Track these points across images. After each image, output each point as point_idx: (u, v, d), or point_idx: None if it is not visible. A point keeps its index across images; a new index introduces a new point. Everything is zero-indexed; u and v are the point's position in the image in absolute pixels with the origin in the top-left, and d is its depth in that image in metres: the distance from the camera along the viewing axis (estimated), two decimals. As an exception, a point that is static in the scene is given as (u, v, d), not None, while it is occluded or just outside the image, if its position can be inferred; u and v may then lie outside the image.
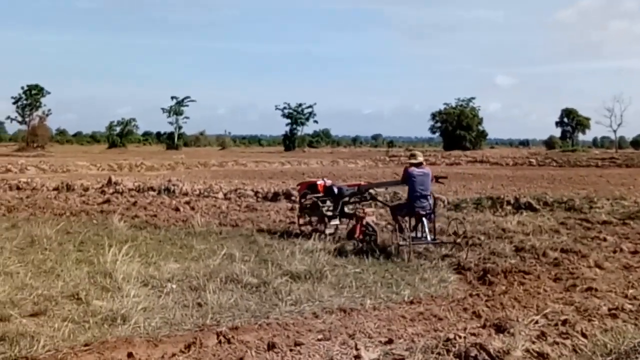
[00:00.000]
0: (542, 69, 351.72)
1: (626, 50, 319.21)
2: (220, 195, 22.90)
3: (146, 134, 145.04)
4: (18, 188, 25.90)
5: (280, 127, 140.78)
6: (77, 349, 6.39)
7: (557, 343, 6.44)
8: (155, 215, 17.37)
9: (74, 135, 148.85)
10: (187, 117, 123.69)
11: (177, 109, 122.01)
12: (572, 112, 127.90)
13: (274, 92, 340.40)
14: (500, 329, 6.97)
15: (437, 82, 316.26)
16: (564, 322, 7.19)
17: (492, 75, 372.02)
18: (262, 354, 6.32)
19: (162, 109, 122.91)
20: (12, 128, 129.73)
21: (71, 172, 42.30)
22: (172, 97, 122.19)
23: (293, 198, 20.30)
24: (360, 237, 12.72)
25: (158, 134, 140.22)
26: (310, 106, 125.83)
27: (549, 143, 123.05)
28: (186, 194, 23.15)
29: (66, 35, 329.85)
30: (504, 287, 9.31)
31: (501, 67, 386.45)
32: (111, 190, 24.43)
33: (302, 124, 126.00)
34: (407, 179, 12.38)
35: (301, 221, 14.57)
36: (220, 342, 6.61)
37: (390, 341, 6.69)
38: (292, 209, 18.29)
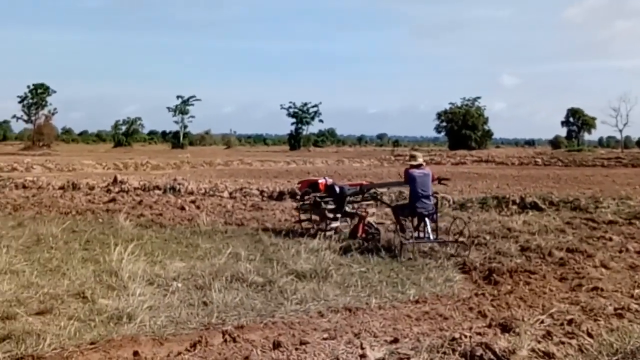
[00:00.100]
0: (548, 68, 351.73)
1: (632, 49, 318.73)
2: (226, 194, 22.90)
3: (152, 133, 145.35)
4: (24, 187, 25.92)
5: (285, 126, 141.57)
6: (83, 347, 6.40)
7: (563, 343, 6.43)
8: (160, 214, 17.38)
9: (80, 134, 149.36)
10: (192, 116, 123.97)
11: (182, 108, 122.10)
12: (577, 111, 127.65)
13: (279, 91, 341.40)
14: (505, 328, 6.96)
15: (442, 82, 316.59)
16: (570, 322, 7.18)
17: (497, 75, 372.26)
18: (267, 352, 6.32)
19: (168, 108, 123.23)
20: (18, 127, 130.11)
21: (77, 171, 42.39)
22: (178, 96, 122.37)
23: (298, 197, 20.28)
24: (363, 235, 12.75)
25: (163, 133, 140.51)
26: (315, 105, 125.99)
27: (555, 143, 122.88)
28: (192, 193, 23.15)
29: (72, 34, 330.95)
30: (509, 287, 9.29)
31: (507, 67, 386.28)
32: (117, 189, 24.45)
33: (308, 123, 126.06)
34: (409, 180, 12.41)
35: (302, 219, 14.57)
36: (225, 340, 6.61)
37: (395, 340, 6.68)
38: (297, 208, 18.26)
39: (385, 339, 6.79)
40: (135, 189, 24.50)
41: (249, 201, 20.98)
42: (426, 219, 12.18)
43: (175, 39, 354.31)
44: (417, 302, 8.49)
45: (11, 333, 6.72)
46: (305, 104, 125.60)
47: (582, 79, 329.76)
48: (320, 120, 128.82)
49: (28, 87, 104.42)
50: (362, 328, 7.18)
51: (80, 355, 6.21)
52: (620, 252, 11.88)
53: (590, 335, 6.69)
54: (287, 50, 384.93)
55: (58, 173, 38.91)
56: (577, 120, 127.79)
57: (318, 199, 13.99)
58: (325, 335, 6.86)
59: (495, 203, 18.57)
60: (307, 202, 14.36)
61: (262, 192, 22.90)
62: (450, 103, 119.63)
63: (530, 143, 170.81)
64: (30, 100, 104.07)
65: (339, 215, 13.92)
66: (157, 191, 23.83)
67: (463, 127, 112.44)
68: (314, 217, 14.29)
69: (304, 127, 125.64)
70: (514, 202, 18.44)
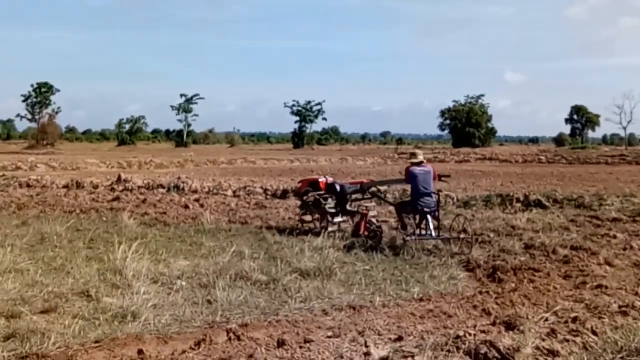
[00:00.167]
0: (552, 66, 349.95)
1: (636, 47, 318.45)
2: (229, 192, 22.91)
3: (155, 132, 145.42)
4: (28, 185, 25.95)
5: (289, 124, 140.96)
6: (87, 345, 6.42)
7: (567, 340, 6.43)
8: (164, 213, 17.40)
9: (84, 132, 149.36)
10: (196, 115, 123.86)
11: (186, 106, 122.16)
12: (581, 109, 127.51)
13: (282, 89, 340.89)
14: (510, 326, 6.95)
15: (446, 79, 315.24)
16: (574, 320, 7.17)
17: (501, 72, 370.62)
18: (271, 350, 6.33)
19: (171, 106, 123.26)
20: (21, 126, 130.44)
21: (81, 169, 42.44)
22: (181, 95, 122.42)
23: (298, 196, 20.31)
24: (366, 233, 12.78)
25: (167, 132, 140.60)
26: (319, 103, 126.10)
27: (559, 140, 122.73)
28: (195, 192, 23.17)
29: (75, 33, 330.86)
30: (513, 285, 9.29)
31: (511, 64, 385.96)
32: (121, 188, 24.46)
33: (311, 121, 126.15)
34: (410, 178, 12.43)
35: (303, 218, 14.59)
36: (230, 339, 6.62)
37: (399, 338, 6.68)
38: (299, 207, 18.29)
39: (389, 337, 6.80)
40: (139, 187, 24.53)
41: (252, 199, 20.99)
42: (428, 216, 12.21)
43: (179, 37, 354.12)
44: (421, 300, 8.50)
45: (16, 331, 6.74)
46: (309, 102, 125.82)
47: (586, 76, 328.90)
48: (324, 119, 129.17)
49: (32, 86, 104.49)
50: (366, 326, 7.18)
51: (85, 354, 6.22)
52: (625, 249, 11.87)
53: (594, 332, 6.69)
54: (291, 49, 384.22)
55: (62, 172, 38.95)
56: (581, 118, 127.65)
57: (319, 198, 14.01)
58: (330, 334, 6.87)
59: (499, 201, 18.56)
60: (308, 200, 14.37)
61: (265, 190, 22.91)
62: (454, 101, 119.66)
63: (534, 140, 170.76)
64: (34, 99, 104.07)
65: (339, 214, 13.94)
66: (161, 190, 23.86)
67: (467, 125, 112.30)
68: (315, 215, 14.31)
69: (307, 125, 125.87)
70: (517, 200, 18.43)
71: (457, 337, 6.33)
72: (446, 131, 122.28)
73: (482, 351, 5.89)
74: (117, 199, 21.00)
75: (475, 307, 8.12)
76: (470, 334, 6.41)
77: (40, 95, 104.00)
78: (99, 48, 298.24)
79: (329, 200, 13.99)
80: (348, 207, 14.17)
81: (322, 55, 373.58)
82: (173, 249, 11.84)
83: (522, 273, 9.91)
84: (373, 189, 14.83)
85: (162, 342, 6.61)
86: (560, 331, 6.74)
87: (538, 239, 12.50)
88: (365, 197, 14.54)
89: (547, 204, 17.94)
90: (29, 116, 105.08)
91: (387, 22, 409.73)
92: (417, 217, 12.50)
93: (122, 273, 9.21)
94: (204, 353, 6.28)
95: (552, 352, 5.98)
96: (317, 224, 14.15)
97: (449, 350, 6.04)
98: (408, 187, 13.72)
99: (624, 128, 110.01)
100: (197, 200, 20.44)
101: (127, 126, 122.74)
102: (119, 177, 26.78)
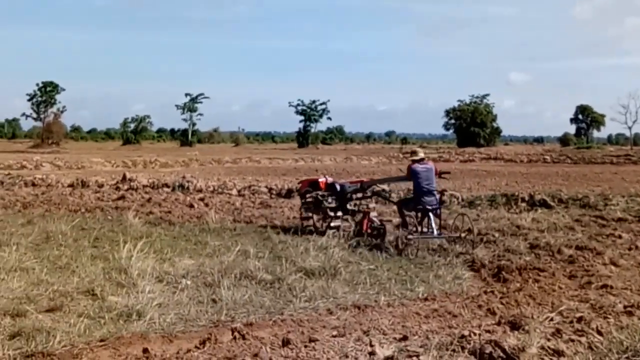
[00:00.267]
0: (557, 66, 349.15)
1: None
2: (234, 191, 22.94)
3: (160, 131, 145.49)
4: (33, 184, 26.00)
5: (293, 123, 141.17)
6: (92, 344, 6.43)
7: (573, 340, 6.42)
8: (169, 212, 17.43)
9: (89, 132, 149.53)
10: (201, 114, 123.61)
11: (191, 105, 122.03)
12: (586, 109, 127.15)
13: (287, 88, 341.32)
14: (515, 326, 6.95)
15: (451, 79, 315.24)
16: (579, 320, 7.16)
17: (506, 72, 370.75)
18: (276, 350, 6.34)
19: (176, 105, 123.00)
20: (27, 125, 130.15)
21: (86, 168, 42.49)
22: (186, 94, 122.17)
23: (299, 196, 20.32)
24: (368, 231, 12.81)
25: (172, 131, 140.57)
26: (323, 103, 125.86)
27: (564, 140, 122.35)
28: (200, 191, 23.20)
29: (81, 32, 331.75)
30: (518, 284, 9.29)
31: (516, 64, 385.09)
32: (126, 187, 24.50)
33: (316, 120, 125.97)
34: (412, 175, 12.45)
35: (304, 218, 14.59)
36: (235, 338, 6.63)
37: (404, 338, 6.68)
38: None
39: (394, 336, 6.80)
40: (144, 186, 24.57)
41: (257, 199, 21.02)
42: (430, 214, 12.24)
43: (183, 37, 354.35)
44: (426, 299, 8.50)
45: (21, 330, 6.75)
46: (314, 102, 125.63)
47: (591, 76, 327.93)
48: (329, 118, 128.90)
49: (37, 85, 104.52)
50: (371, 325, 7.18)
51: (90, 352, 6.23)
52: (630, 249, 11.86)
53: (600, 332, 6.68)
54: (296, 49, 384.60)
55: (67, 171, 39.01)
56: (586, 118, 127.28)
57: (319, 197, 14.03)
58: (335, 333, 6.87)
59: (504, 200, 18.55)
60: (309, 200, 14.38)
61: (270, 189, 22.94)
62: (459, 100, 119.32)
63: (539, 140, 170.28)
64: (40, 99, 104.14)
65: (340, 213, 13.96)
66: (165, 189, 23.89)
67: (471, 125, 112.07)
68: (316, 215, 14.32)
69: (312, 124, 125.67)
70: (523, 200, 18.42)
71: (462, 336, 6.33)
72: (451, 131, 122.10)
73: (487, 351, 5.89)
74: (122, 198, 21.03)
75: (480, 306, 8.11)
76: (475, 334, 6.41)
77: (46, 95, 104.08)
78: (105, 47, 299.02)
79: (330, 199, 14.01)
80: (349, 207, 14.20)
81: (327, 55, 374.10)
82: (178, 248, 11.84)
83: (527, 273, 9.90)
84: (374, 187, 14.85)
85: (167, 341, 6.61)
86: (566, 331, 6.73)
87: (543, 239, 12.49)
88: (366, 196, 14.55)
89: (552, 203, 17.92)
90: (35, 115, 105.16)
91: (392, 21, 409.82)
92: (419, 215, 12.54)
93: (127, 272, 9.21)
94: (209, 352, 6.29)
95: (558, 352, 5.97)
96: (318, 224, 14.16)
97: (454, 350, 6.03)
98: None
99: (630, 128, 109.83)
100: (202, 199, 20.46)
101: (132, 125, 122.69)
102: (124, 176, 26.80)
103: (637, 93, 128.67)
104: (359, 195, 14.41)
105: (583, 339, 6.45)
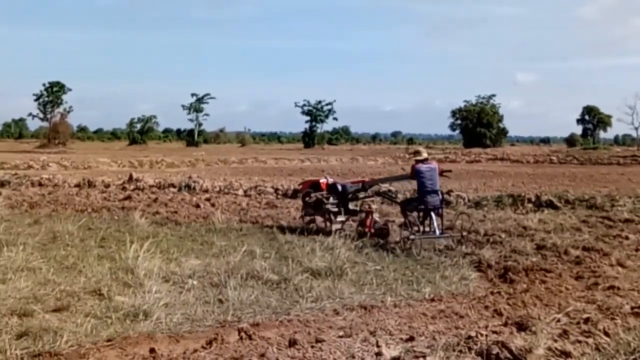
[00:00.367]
0: (564, 66, 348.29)
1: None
2: (240, 192, 22.96)
3: (166, 131, 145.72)
4: (40, 184, 26.06)
5: (299, 124, 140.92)
6: (99, 344, 6.44)
7: (580, 341, 6.41)
8: (175, 212, 17.45)
9: (95, 132, 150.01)
10: (207, 114, 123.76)
11: (197, 106, 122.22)
12: (593, 109, 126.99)
13: (293, 89, 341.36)
14: (522, 327, 6.95)
15: (457, 79, 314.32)
16: (586, 321, 7.15)
17: (512, 72, 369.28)
18: (283, 350, 6.34)
19: (183, 106, 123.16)
20: (33, 125, 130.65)
21: (92, 168, 42.56)
22: (193, 94, 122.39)
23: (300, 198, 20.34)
24: (372, 231, 12.82)
25: (178, 131, 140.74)
26: (329, 103, 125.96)
27: (570, 141, 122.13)
28: (206, 191, 23.23)
29: (87, 32, 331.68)
30: (525, 285, 9.27)
31: (522, 64, 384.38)
32: (132, 187, 24.56)
33: (322, 121, 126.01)
34: (416, 175, 12.49)
35: (306, 219, 14.59)
36: (241, 338, 6.64)
37: (411, 338, 6.68)
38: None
39: (401, 337, 6.80)
40: (150, 186, 24.62)
41: (263, 199, 21.04)
42: (432, 214, 12.27)
43: (190, 37, 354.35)
44: (432, 300, 8.49)
45: (28, 330, 6.77)
46: (320, 102, 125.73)
47: (598, 76, 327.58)
48: (335, 118, 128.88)
49: (44, 85, 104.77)
50: (378, 326, 7.18)
51: (97, 352, 6.25)
52: (637, 250, 11.84)
53: (607, 334, 6.66)
54: (302, 49, 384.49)
55: (74, 171, 39.07)
56: (593, 118, 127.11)
57: (321, 198, 14.03)
58: (341, 333, 6.87)
59: (510, 201, 18.53)
60: (310, 201, 14.38)
61: (276, 190, 22.95)
62: (465, 101, 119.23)
63: (546, 141, 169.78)
64: (46, 99, 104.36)
65: (342, 214, 13.97)
66: (172, 189, 23.94)
67: (478, 125, 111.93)
68: (317, 216, 14.33)
69: (318, 125, 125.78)
70: (529, 201, 18.38)
71: (469, 337, 6.32)
72: (457, 131, 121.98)
73: (494, 352, 5.88)
74: (128, 198, 21.06)
75: (487, 307, 8.10)
76: (482, 335, 6.40)
77: (52, 95, 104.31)
78: (111, 47, 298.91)
79: (331, 200, 14.01)
80: (350, 207, 14.20)
81: (333, 55, 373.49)
82: (184, 248, 11.86)
83: (533, 274, 9.89)
84: (376, 187, 14.86)
85: (173, 341, 6.62)
86: (573, 332, 6.72)
87: (550, 240, 12.47)
88: (368, 196, 14.55)
89: (558, 204, 17.89)
90: (41, 115, 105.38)
91: (398, 22, 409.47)
92: (422, 214, 12.57)
93: (133, 272, 9.23)
94: (216, 352, 6.29)
95: (565, 354, 5.96)
96: (322, 224, 14.17)
97: (460, 351, 6.03)
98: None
99: (636, 129, 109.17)
100: (208, 199, 20.49)
101: (139, 125, 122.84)
102: (131, 177, 26.87)
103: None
104: (361, 195, 14.41)
105: (590, 340, 6.44)
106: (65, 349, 6.24)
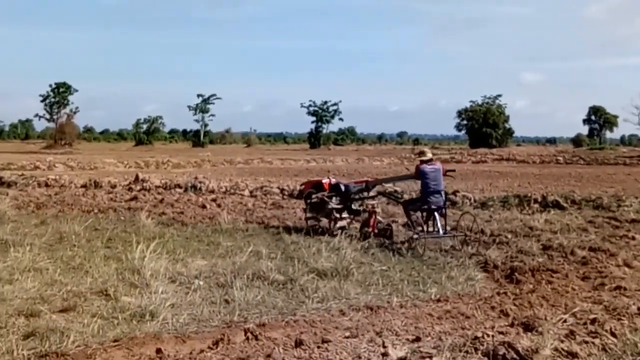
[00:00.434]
0: (570, 66, 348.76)
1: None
2: (246, 192, 22.97)
3: (172, 132, 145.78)
4: (46, 185, 26.09)
5: (305, 124, 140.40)
6: (106, 344, 6.46)
7: (586, 342, 6.39)
8: (182, 213, 17.46)
9: (101, 132, 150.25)
10: (213, 115, 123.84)
11: (203, 106, 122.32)
12: (599, 109, 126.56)
13: (299, 89, 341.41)
14: (528, 327, 6.93)
15: (463, 80, 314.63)
16: (593, 321, 7.13)
17: (519, 72, 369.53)
18: (289, 350, 6.34)
19: (189, 106, 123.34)
20: (40, 125, 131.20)
21: (98, 169, 42.62)
22: (199, 95, 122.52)
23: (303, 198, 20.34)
24: (375, 231, 12.83)
25: (184, 132, 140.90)
26: (335, 104, 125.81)
27: (576, 141, 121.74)
28: (212, 191, 23.25)
29: (93, 33, 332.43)
30: (531, 286, 9.26)
31: (528, 64, 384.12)
32: (138, 188, 24.58)
33: (328, 121, 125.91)
34: (420, 175, 12.51)
35: (309, 220, 14.58)
36: (247, 338, 6.64)
37: (417, 339, 6.68)
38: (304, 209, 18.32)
39: (407, 337, 6.80)
40: (156, 187, 24.64)
41: (269, 199, 21.04)
42: (435, 214, 12.29)
43: (195, 37, 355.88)
44: (438, 300, 8.49)
45: (35, 330, 6.80)
46: (325, 102, 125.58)
47: (604, 76, 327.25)
48: (340, 119, 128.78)
49: (50, 86, 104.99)
50: (384, 327, 7.19)
51: (104, 353, 6.26)
52: (644, 251, 11.80)
53: (613, 334, 6.65)
54: (308, 49, 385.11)
55: (80, 171, 39.12)
56: (599, 118, 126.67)
57: (323, 198, 14.02)
58: (347, 334, 6.87)
59: (516, 202, 18.51)
60: (313, 202, 14.37)
61: (282, 190, 22.96)
62: (471, 101, 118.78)
63: (552, 141, 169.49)
64: (52, 99, 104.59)
65: (345, 214, 13.96)
66: (178, 189, 23.96)
67: (484, 125, 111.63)
68: (321, 216, 14.31)
69: (324, 125, 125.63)
70: (535, 201, 18.36)
71: (475, 338, 6.31)
72: (463, 132, 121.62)
73: (501, 352, 5.87)
74: (134, 198, 21.08)
75: (493, 308, 8.10)
76: (488, 335, 6.39)
77: (59, 96, 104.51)
78: (117, 48, 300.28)
79: (334, 200, 14.00)
80: (353, 207, 14.20)
81: (338, 55, 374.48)
82: (191, 248, 11.88)
83: (540, 274, 9.88)
84: (379, 187, 14.84)
85: (180, 342, 6.63)
86: (579, 333, 6.70)
87: (556, 240, 12.46)
88: (371, 195, 14.54)
89: (565, 205, 17.85)
90: (47, 116, 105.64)
91: (404, 22, 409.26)
92: (425, 214, 12.59)
93: (140, 272, 9.25)
94: (222, 352, 6.30)
95: (571, 354, 5.95)
96: (325, 225, 14.16)
97: (467, 352, 6.02)
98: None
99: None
100: (214, 200, 20.51)
101: (145, 126, 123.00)
102: (137, 177, 26.88)
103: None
104: (365, 195, 14.41)
105: (597, 341, 6.43)
106: (72, 350, 6.27)
